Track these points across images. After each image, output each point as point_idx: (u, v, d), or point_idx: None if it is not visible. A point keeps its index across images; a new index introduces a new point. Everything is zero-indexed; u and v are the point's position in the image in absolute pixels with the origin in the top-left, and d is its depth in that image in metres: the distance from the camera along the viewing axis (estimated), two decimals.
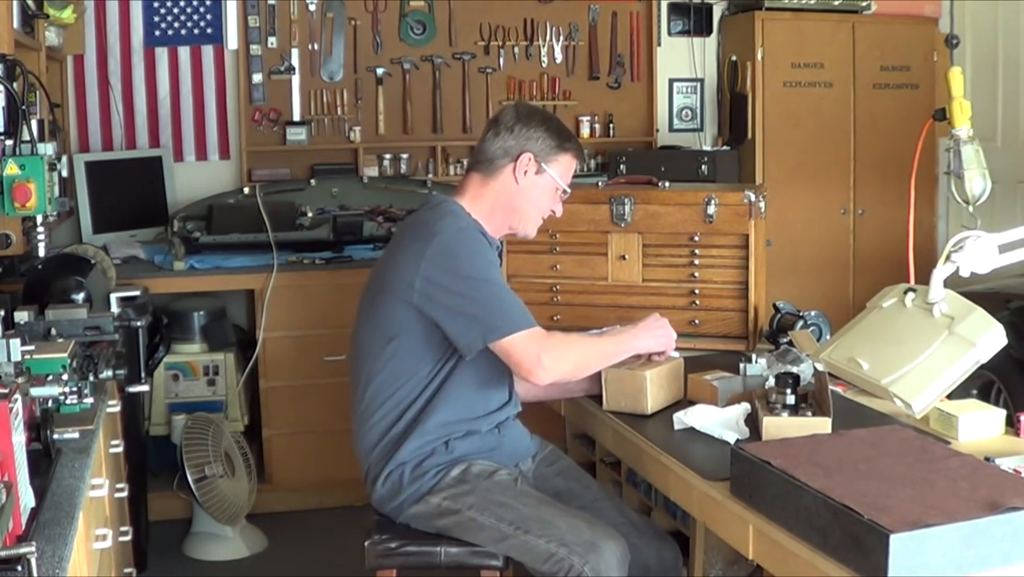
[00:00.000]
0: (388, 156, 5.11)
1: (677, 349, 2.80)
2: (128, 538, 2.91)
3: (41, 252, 2.57)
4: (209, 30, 4.89)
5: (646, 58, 5.42)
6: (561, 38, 5.28)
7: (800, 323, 2.87)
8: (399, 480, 2.46)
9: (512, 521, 2.35)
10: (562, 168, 2.57)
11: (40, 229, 2.51)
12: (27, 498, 1.58)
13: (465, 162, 5.13)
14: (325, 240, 4.38)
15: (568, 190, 2.61)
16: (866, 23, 5.37)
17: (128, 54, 4.82)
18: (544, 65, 5.28)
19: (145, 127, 4.87)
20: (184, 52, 4.89)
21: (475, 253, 2.41)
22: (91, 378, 2.23)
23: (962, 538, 1.59)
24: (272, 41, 4.96)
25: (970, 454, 1.95)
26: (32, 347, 2.08)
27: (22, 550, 1.37)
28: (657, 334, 2.57)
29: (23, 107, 2.34)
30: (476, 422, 2.48)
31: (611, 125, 5.36)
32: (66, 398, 2.00)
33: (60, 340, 2.32)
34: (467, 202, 2.54)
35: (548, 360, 2.34)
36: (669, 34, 5.47)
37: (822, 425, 2.18)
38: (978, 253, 2.29)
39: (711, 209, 2.95)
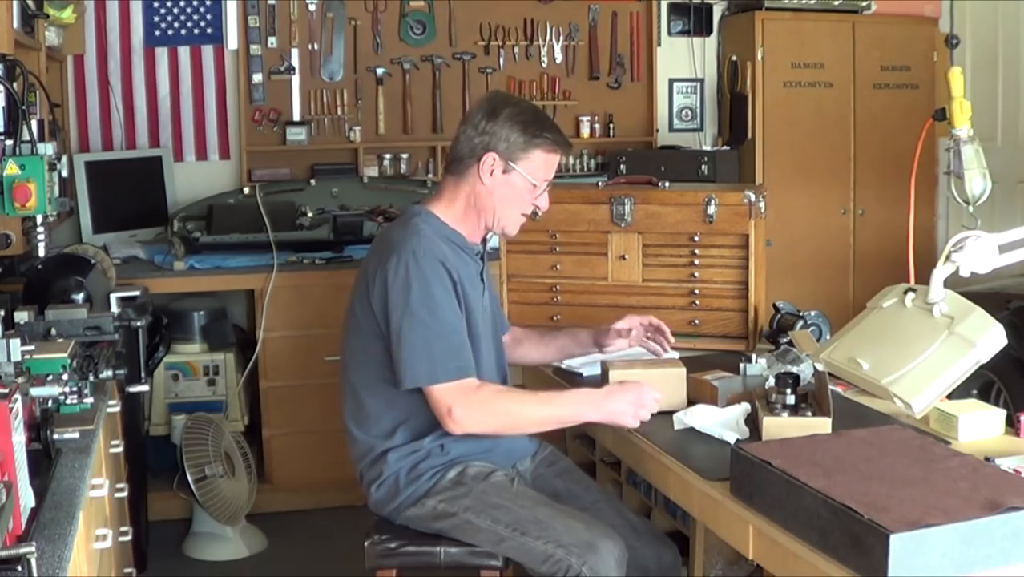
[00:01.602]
0: (388, 156, 5.11)
1: (676, 349, 2.80)
2: (128, 538, 2.91)
3: (41, 252, 2.57)
4: (209, 30, 4.89)
5: (646, 58, 5.42)
6: (561, 38, 5.28)
7: (800, 323, 2.87)
8: (395, 484, 2.46)
9: (509, 523, 2.35)
10: (533, 164, 2.45)
11: (40, 229, 2.51)
12: (27, 498, 1.58)
13: None
14: (325, 240, 4.38)
15: (543, 187, 2.48)
16: (866, 23, 5.37)
17: (128, 54, 4.82)
18: (544, 65, 5.28)
19: (145, 127, 4.87)
20: (184, 52, 4.89)
21: (420, 288, 2.32)
22: (91, 378, 2.23)
23: (962, 538, 1.59)
24: (272, 41, 4.96)
25: (970, 454, 1.95)
26: (32, 347, 2.08)
27: (22, 550, 1.37)
28: (615, 411, 2.37)
29: (23, 107, 2.34)
30: None
31: (611, 125, 5.36)
32: (66, 398, 2.00)
33: (60, 340, 2.32)
34: (442, 208, 2.48)
35: (460, 413, 2.31)
36: (669, 34, 5.47)
37: (822, 425, 2.18)
38: (978, 253, 2.28)
39: (711, 209, 2.95)
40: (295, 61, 4.99)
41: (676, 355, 2.76)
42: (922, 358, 2.27)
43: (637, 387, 2.40)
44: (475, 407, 2.34)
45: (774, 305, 2.97)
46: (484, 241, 2.60)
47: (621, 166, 5.03)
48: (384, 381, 2.43)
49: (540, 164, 2.47)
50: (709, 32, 5.51)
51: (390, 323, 2.35)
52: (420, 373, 2.33)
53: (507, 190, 2.46)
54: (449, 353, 2.33)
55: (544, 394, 2.49)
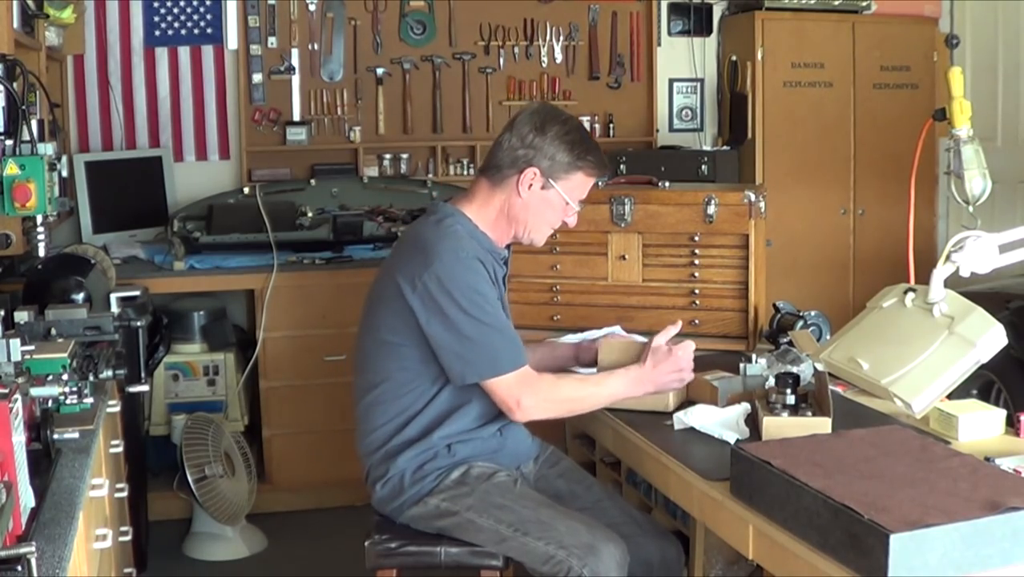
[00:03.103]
0: (388, 156, 5.11)
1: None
2: (128, 538, 2.91)
3: (41, 252, 2.57)
4: (209, 30, 4.89)
5: (646, 58, 5.42)
6: (561, 38, 5.28)
7: (800, 323, 2.87)
8: (399, 483, 2.46)
9: (511, 523, 2.35)
10: (572, 184, 2.46)
11: (40, 229, 2.51)
12: (27, 498, 1.58)
13: (465, 162, 5.14)
14: (325, 240, 4.38)
15: (577, 207, 2.51)
16: (866, 23, 5.37)
17: (128, 54, 4.82)
18: (544, 65, 5.28)
19: (145, 127, 4.87)
20: (184, 52, 4.89)
21: (468, 287, 2.34)
22: (91, 378, 2.23)
23: (962, 538, 1.59)
24: (272, 41, 4.96)
25: (970, 454, 1.95)
26: (32, 347, 2.08)
27: (22, 550, 1.37)
28: (662, 382, 2.46)
29: (23, 107, 2.34)
30: (479, 430, 2.47)
31: (611, 125, 5.36)
32: (66, 398, 2.00)
33: (60, 340, 2.31)
34: (473, 210, 2.48)
35: (528, 403, 2.36)
36: (669, 34, 5.47)
37: (822, 425, 2.18)
38: (978, 253, 2.29)
39: (711, 209, 2.95)
40: (295, 61, 4.99)
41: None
42: (922, 358, 2.27)
43: (671, 356, 2.46)
44: (541, 395, 2.39)
45: (774, 305, 2.97)
46: (509, 247, 2.59)
47: (621, 166, 5.03)
48: (408, 377, 2.44)
49: (578, 185, 2.49)
50: (709, 32, 5.51)
51: (446, 324, 2.34)
52: (484, 368, 2.35)
53: (542, 206, 2.47)
54: (507, 345, 2.37)
55: (593, 377, 2.52)
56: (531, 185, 2.43)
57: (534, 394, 2.37)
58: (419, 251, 2.40)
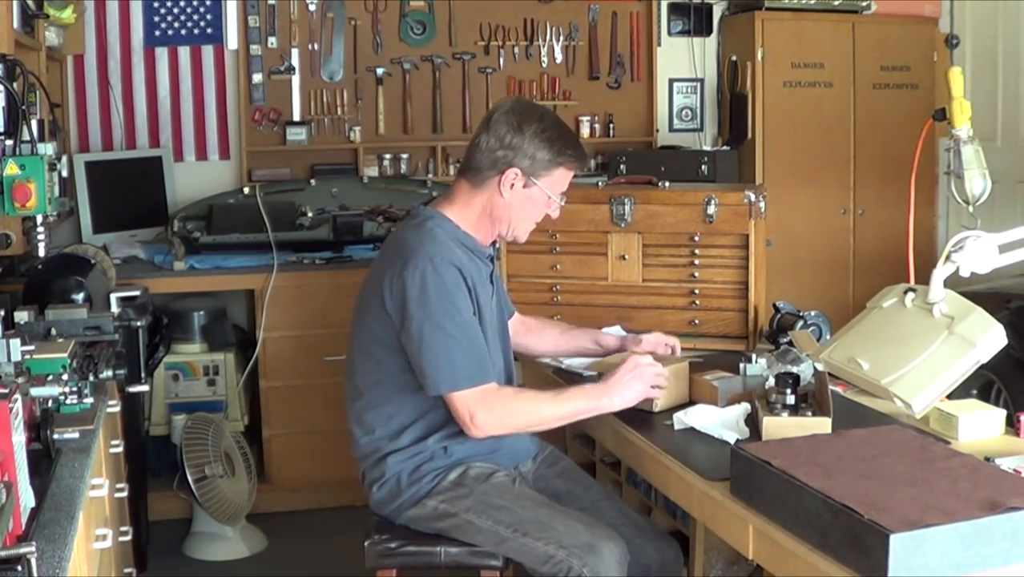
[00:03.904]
0: (388, 156, 5.11)
1: (683, 348, 2.80)
2: (128, 538, 2.91)
3: (41, 252, 2.57)
4: (209, 30, 4.90)
5: (646, 58, 5.42)
6: (561, 38, 5.29)
7: (800, 323, 2.86)
8: (396, 485, 2.46)
9: (510, 524, 2.35)
10: (554, 180, 2.46)
11: (40, 229, 2.51)
12: (27, 498, 1.58)
13: None
14: (325, 240, 4.38)
15: (560, 201, 2.50)
16: (866, 23, 5.37)
17: (128, 54, 4.83)
18: (544, 65, 5.28)
19: (145, 127, 4.87)
20: (184, 52, 4.89)
21: (439, 294, 2.32)
22: (91, 378, 2.23)
23: (962, 538, 1.59)
24: (272, 41, 4.96)
25: (970, 454, 1.95)
26: (32, 347, 2.08)
27: (22, 550, 1.37)
28: (626, 389, 2.41)
29: (23, 107, 2.34)
30: None
31: (611, 125, 5.36)
32: (66, 398, 2.00)
33: (60, 340, 2.32)
34: (455, 211, 2.47)
35: (483, 419, 2.33)
36: (669, 34, 5.47)
37: (822, 425, 2.18)
38: (978, 253, 2.28)
39: (711, 209, 2.95)
40: (295, 61, 4.99)
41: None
42: (922, 358, 2.27)
43: (628, 367, 2.41)
44: (497, 411, 2.36)
45: (774, 305, 2.97)
46: (494, 244, 2.59)
47: (621, 166, 5.03)
48: (395, 384, 2.43)
49: (560, 179, 2.48)
50: (709, 32, 5.51)
51: (410, 330, 2.33)
52: (442, 381, 2.33)
53: (526, 204, 2.46)
54: (470, 360, 2.34)
55: (557, 392, 2.50)
56: (513, 185, 2.43)
57: (489, 410, 2.34)
58: (399, 256, 2.39)
